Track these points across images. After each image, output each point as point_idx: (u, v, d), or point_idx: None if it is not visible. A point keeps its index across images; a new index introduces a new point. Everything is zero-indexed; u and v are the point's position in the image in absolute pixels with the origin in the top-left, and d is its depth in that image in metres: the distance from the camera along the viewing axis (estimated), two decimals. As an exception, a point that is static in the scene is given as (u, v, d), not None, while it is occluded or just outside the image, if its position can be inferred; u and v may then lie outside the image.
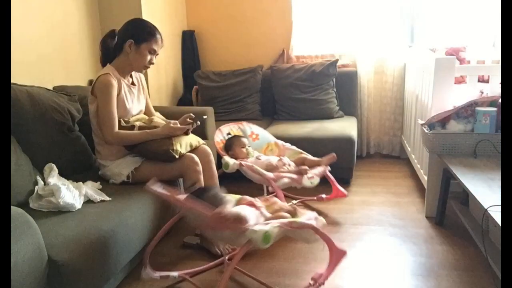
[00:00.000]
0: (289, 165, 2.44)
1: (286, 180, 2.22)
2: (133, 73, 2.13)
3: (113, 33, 2.07)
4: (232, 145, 2.49)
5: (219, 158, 2.42)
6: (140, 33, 1.99)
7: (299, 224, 1.54)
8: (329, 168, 2.45)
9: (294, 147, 2.66)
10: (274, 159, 2.44)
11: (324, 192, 2.61)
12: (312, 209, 2.54)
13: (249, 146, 2.53)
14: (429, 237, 2.12)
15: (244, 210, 1.60)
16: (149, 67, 2.08)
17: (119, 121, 1.98)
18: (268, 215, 1.66)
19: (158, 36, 2.03)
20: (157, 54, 2.08)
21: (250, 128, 2.77)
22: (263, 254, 2.01)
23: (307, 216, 1.63)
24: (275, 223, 1.50)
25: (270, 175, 2.23)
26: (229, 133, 2.66)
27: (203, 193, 1.61)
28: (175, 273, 1.82)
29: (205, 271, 1.89)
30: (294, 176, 2.24)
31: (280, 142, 2.72)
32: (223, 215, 1.43)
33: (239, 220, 1.46)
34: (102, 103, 1.92)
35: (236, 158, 2.44)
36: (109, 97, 1.91)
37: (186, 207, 1.50)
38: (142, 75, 2.24)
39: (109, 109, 1.91)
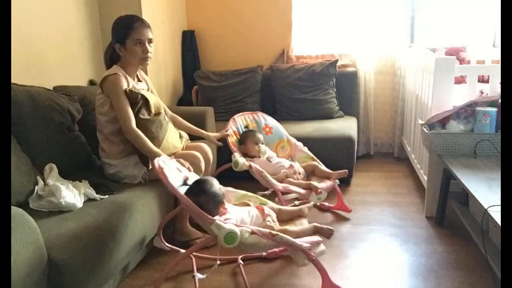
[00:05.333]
0: (299, 173, 2.41)
1: (293, 195, 2.21)
2: (138, 74, 2.15)
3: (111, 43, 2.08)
4: (246, 139, 2.47)
5: (229, 151, 2.40)
6: (119, 33, 1.99)
7: (284, 240, 1.42)
8: (338, 182, 2.42)
9: (306, 149, 2.63)
10: (285, 163, 2.41)
11: (328, 200, 2.51)
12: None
13: (262, 144, 2.47)
14: (429, 237, 2.12)
15: (233, 208, 1.62)
16: (147, 57, 2.05)
17: (139, 117, 1.99)
18: (274, 225, 1.62)
19: (136, 24, 1.98)
20: (150, 40, 2.03)
21: (265, 120, 2.72)
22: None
23: (309, 238, 1.53)
24: (250, 228, 1.45)
25: (279, 186, 2.20)
26: (246, 126, 2.62)
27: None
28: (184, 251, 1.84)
29: (214, 261, 1.87)
30: (302, 191, 2.21)
31: (292, 140, 2.68)
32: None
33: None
34: (115, 101, 1.95)
35: (247, 154, 2.43)
36: (121, 95, 1.94)
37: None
38: (147, 78, 2.24)
39: (123, 106, 1.95)
